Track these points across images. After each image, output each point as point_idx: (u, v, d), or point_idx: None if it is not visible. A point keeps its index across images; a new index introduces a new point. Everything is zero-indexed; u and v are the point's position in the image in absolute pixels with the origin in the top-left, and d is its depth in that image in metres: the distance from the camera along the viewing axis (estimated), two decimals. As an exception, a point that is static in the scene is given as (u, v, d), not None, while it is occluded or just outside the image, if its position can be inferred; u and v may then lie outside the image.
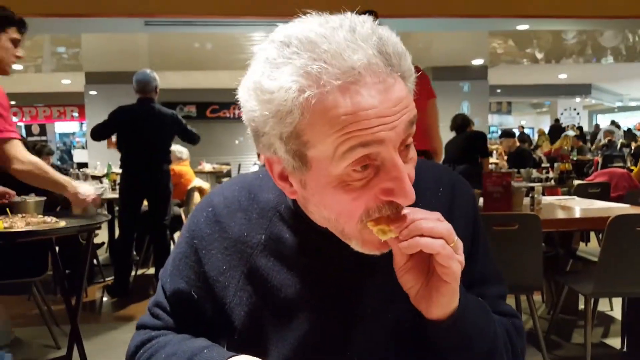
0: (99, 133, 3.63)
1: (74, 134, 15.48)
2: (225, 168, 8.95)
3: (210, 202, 0.71)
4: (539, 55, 8.73)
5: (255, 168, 7.44)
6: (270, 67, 0.52)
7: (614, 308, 3.05)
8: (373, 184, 0.53)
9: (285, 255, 0.66)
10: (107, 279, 3.91)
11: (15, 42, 1.88)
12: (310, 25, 0.52)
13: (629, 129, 12.48)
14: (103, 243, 4.83)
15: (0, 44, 1.81)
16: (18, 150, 1.82)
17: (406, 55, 0.54)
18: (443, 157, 2.76)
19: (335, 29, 0.51)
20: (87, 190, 2.04)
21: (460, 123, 4.80)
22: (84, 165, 8.75)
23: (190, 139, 3.87)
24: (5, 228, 1.74)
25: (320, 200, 0.56)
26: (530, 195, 2.57)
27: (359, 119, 0.49)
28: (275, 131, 0.53)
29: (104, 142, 4.18)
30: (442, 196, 0.69)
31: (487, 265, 0.73)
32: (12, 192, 2.12)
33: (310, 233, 0.63)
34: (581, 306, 2.98)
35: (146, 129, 3.53)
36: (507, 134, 6.37)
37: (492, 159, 7.75)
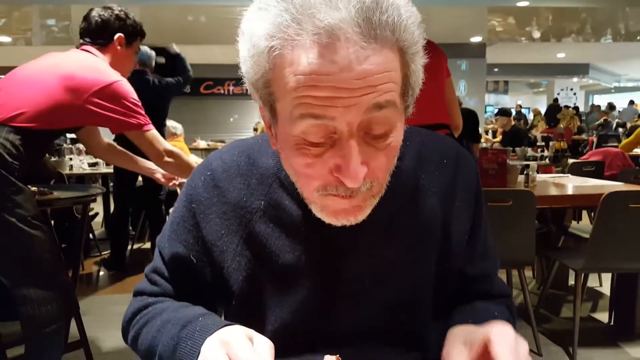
0: None
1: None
2: (220, 145, 8.91)
3: (209, 166, 0.69)
4: (538, 34, 8.65)
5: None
6: (254, 12, 0.52)
7: (603, 284, 3.11)
8: (327, 157, 0.52)
9: (285, 222, 0.65)
10: (103, 253, 3.93)
11: (138, 51, 1.97)
12: None
13: (631, 101, 12.41)
14: (97, 214, 4.82)
15: (130, 55, 1.89)
16: (160, 141, 1.87)
17: (409, 26, 0.50)
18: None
19: None
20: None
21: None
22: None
23: (180, 86, 3.77)
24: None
25: (285, 157, 0.57)
26: (525, 172, 2.59)
27: (312, 83, 0.47)
28: (249, 75, 0.54)
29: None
30: (446, 168, 0.69)
31: (487, 240, 0.74)
32: None
33: None
34: (571, 282, 3.04)
35: (141, 101, 3.48)
36: (502, 112, 6.34)
37: (491, 138, 7.75)
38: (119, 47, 1.81)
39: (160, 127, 3.66)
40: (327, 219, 0.58)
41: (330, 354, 0.56)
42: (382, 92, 0.49)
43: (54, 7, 6.28)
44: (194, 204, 0.68)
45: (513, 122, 6.15)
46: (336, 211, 0.56)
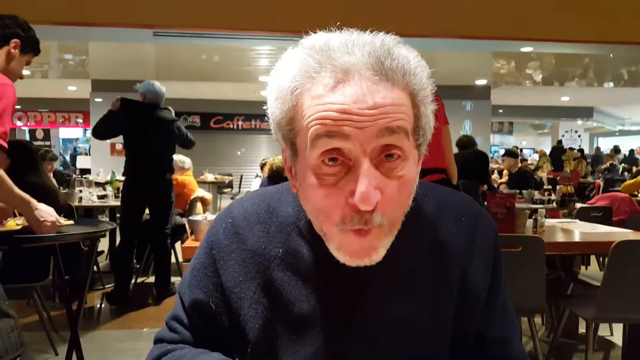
0: (103, 128, 3.53)
1: (77, 139, 15.53)
2: (227, 179, 8.97)
3: (230, 214, 0.71)
4: (542, 78, 8.81)
5: (258, 180, 7.45)
6: (281, 63, 0.59)
7: (614, 333, 3.03)
8: (343, 184, 0.55)
9: (302, 270, 0.66)
10: (107, 286, 3.90)
11: (28, 63, 1.98)
12: (326, 34, 0.57)
13: (632, 151, 12.51)
14: (102, 251, 4.82)
15: (21, 63, 1.92)
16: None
17: (418, 73, 0.56)
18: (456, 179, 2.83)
19: (339, 36, 0.56)
20: (47, 212, 1.84)
21: (466, 141, 5.01)
22: (86, 171, 8.76)
23: (184, 141, 3.79)
24: (17, 225, 1.75)
25: (303, 192, 0.60)
26: (533, 217, 2.58)
27: (327, 109, 0.53)
28: (274, 116, 0.59)
29: (108, 149, 4.17)
30: (464, 225, 0.69)
31: (506, 302, 0.73)
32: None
33: (327, 250, 0.63)
34: (581, 330, 2.97)
35: (151, 136, 3.54)
36: (510, 153, 6.37)
37: (497, 179, 7.74)
38: (12, 50, 1.86)
39: (168, 161, 3.70)
40: (343, 259, 0.59)
41: None
42: (394, 119, 0.54)
43: (72, 43, 6.50)
44: (215, 251, 0.70)
45: (519, 164, 6.17)
46: (352, 251, 0.58)
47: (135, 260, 4.00)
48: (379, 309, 0.65)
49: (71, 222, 1.97)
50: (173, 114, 3.73)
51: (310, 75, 0.54)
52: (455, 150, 4.84)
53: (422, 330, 0.65)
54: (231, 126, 12.53)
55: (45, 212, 1.83)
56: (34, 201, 1.79)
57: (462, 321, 0.68)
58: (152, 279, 4.14)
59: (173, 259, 4.02)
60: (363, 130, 0.53)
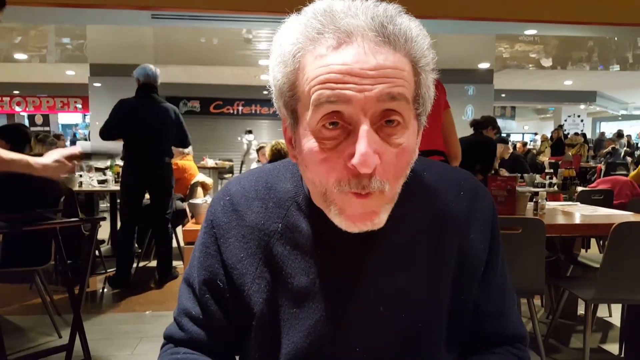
0: (107, 133, 3.55)
1: (76, 125, 15.50)
2: (227, 164, 8.96)
3: (228, 191, 0.72)
4: (545, 61, 8.73)
5: (258, 166, 7.44)
6: (283, 29, 0.59)
7: (613, 314, 3.05)
8: (342, 147, 0.55)
9: (301, 245, 0.66)
10: (108, 271, 3.92)
11: None
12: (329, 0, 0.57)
13: (629, 136, 12.45)
14: (104, 241, 4.85)
15: None
16: None
17: (419, 41, 0.56)
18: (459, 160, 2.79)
19: (342, 2, 0.56)
20: (51, 157, 1.66)
21: (481, 121, 4.30)
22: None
23: (182, 139, 3.78)
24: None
25: (302, 159, 0.59)
26: (534, 200, 2.58)
27: (329, 71, 0.53)
28: (276, 81, 0.59)
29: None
30: (462, 199, 0.69)
31: (504, 276, 0.74)
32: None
33: (326, 224, 0.63)
34: (580, 311, 2.99)
35: (149, 121, 3.52)
36: (499, 139, 6.26)
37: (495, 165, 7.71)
38: None
39: (167, 145, 3.69)
40: (345, 225, 0.59)
41: None
42: (395, 84, 0.54)
43: (70, 27, 6.44)
44: (215, 229, 0.70)
45: (511, 150, 6.12)
46: (353, 216, 0.57)
47: (136, 245, 4.02)
48: (378, 282, 0.65)
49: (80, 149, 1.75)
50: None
51: (312, 37, 0.55)
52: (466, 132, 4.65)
53: (420, 303, 0.66)
54: (231, 111, 12.46)
55: (49, 157, 1.66)
56: (31, 158, 1.65)
57: (460, 294, 0.68)
58: (153, 263, 4.17)
59: (174, 244, 4.04)
60: (364, 94, 0.53)
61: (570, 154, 8.93)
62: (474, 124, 4.31)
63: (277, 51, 0.58)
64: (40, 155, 1.68)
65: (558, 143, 10.56)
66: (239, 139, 12.59)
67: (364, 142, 0.53)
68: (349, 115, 0.54)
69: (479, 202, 0.70)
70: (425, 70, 0.58)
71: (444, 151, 2.57)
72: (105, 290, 3.63)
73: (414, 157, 0.60)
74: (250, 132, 10.66)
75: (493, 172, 4.66)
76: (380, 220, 0.58)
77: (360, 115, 0.53)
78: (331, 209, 0.59)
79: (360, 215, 0.57)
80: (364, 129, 0.53)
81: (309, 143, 0.57)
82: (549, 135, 11.99)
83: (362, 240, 0.63)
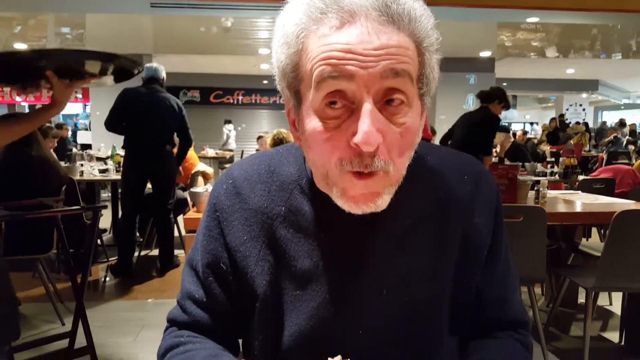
0: (112, 123, 3.51)
1: (77, 115, 15.46)
2: (228, 154, 8.95)
3: (231, 175, 0.71)
4: (547, 50, 8.66)
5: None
6: (286, 9, 0.58)
7: (614, 303, 3.07)
8: (345, 126, 0.54)
9: (304, 227, 0.66)
10: (110, 259, 3.94)
11: None
12: None
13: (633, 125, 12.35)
14: (105, 230, 4.86)
15: None
16: None
17: (423, 21, 0.56)
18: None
19: None
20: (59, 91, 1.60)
21: (488, 92, 3.95)
22: (87, 146, 8.75)
23: (184, 138, 3.77)
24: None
25: (305, 140, 0.59)
26: (535, 188, 2.58)
27: (332, 49, 0.53)
28: (279, 62, 0.58)
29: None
30: (466, 183, 0.69)
31: (508, 261, 0.73)
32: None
33: (329, 207, 0.62)
34: (581, 300, 3.00)
35: (152, 108, 3.51)
36: (500, 128, 6.20)
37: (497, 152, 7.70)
38: None
39: (170, 135, 3.69)
40: (348, 207, 0.58)
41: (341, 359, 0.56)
42: (399, 61, 0.53)
43: (69, 15, 6.39)
44: (218, 212, 0.70)
45: (512, 139, 6.08)
46: (355, 197, 0.57)
47: (138, 234, 4.03)
48: (381, 265, 0.65)
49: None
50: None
51: (316, 17, 0.54)
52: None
53: (423, 286, 0.66)
54: (231, 101, 12.41)
55: (57, 90, 1.61)
56: (43, 109, 1.66)
57: (463, 278, 0.68)
58: (155, 252, 4.19)
59: (176, 232, 4.05)
60: (367, 71, 0.52)
61: (572, 142, 8.89)
62: (481, 96, 3.98)
63: (280, 32, 0.58)
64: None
65: (555, 132, 10.50)
66: (239, 128, 12.57)
67: (367, 121, 0.52)
68: (352, 94, 0.54)
69: (483, 186, 0.70)
70: (429, 51, 0.57)
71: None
72: (107, 278, 3.66)
73: (417, 138, 0.60)
74: (229, 121, 10.62)
75: (496, 159, 4.51)
76: (383, 202, 0.58)
77: (364, 93, 0.53)
78: (333, 191, 0.59)
79: (362, 196, 0.57)
80: (367, 107, 0.53)
81: (312, 123, 0.56)
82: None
83: (366, 223, 0.63)
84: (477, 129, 3.92)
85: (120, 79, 1.68)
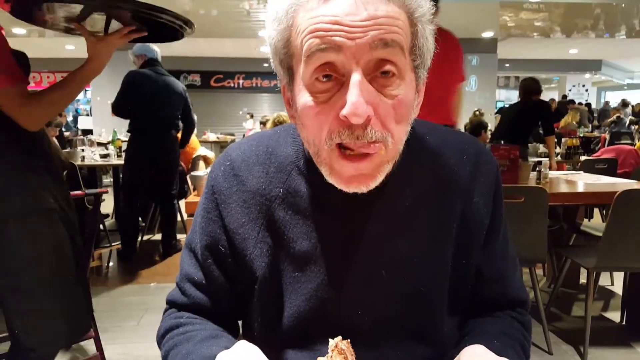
0: (120, 108, 3.43)
1: (78, 100, 15.40)
2: (229, 138, 8.92)
3: (228, 157, 0.71)
4: (550, 29, 8.54)
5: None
6: None
7: (615, 283, 3.08)
8: (335, 99, 0.54)
9: (302, 209, 0.66)
10: (113, 244, 3.96)
11: None
12: None
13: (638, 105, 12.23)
14: (108, 215, 4.88)
15: None
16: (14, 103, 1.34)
17: None
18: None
19: None
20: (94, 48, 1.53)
21: (534, 85, 4.00)
22: (88, 132, 8.74)
23: (188, 123, 3.75)
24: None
25: (298, 117, 0.59)
26: (537, 169, 2.57)
27: (320, 21, 0.52)
28: (272, 40, 0.58)
29: (109, 109, 4.10)
30: (466, 163, 0.68)
31: (507, 241, 0.73)
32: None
33: (327, 188, 0.62)
34: (582, 280, 3.01)
35: (161, 95, 3.47)
36: (500, 111, 6.21)
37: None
38: None
39: (175, 120, 3.67)
40: (339, 184, 0.58)
41: (341, 340, 0.56)
42: (388, 31, 0.52)
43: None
44: (216, 195, 0.69)
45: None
46: (347, 178, 0.57)
47: (140, 219, 4.04)
48: (379, 245, 0.65)
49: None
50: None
51: None
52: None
53: (422, 266, 0.66)
54: (232, 85, 12.32)
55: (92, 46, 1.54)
56: (77, 69, 1.56)
57: (462, 258, 0.68)
58: (158, 236, 4.21)
59: (177, 216, 4.07)
60: (355, 42, 0.52)
61: (575, 122, 8.82)
62: (525, 87, 3.98)
63: (271, 10, 0.58)
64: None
65: (556, 112, 10.41)
66: (240, 113, 12.52)
67: (355, 91, 0.51)
68: (341, 65, 0.53)
69: (483, 166, 0.69)
70: (421, 21, 0.56)
71: (454, 124, 2.56)
72: (110, 263, 3.68)
73: (412, 111, 0.59)
74: (252, 115, 10.40)
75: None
76: (375, 182, 0.58)
77: (352, 65, 0.52)
78: (323, 169, 0.59)
79: (354, 178, 0.57)
80: (356, 78, 0.52)
81: (304, 98, 0.56)
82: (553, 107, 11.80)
83: (364, 203, 0.62)
84: (529, 115, 4.00)
85: (158, 39, 1.61)
